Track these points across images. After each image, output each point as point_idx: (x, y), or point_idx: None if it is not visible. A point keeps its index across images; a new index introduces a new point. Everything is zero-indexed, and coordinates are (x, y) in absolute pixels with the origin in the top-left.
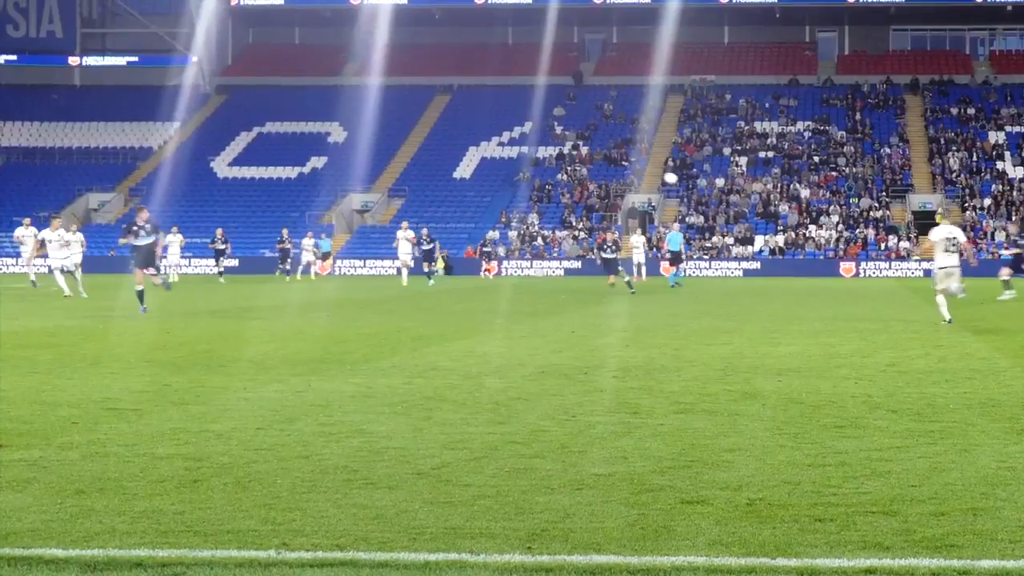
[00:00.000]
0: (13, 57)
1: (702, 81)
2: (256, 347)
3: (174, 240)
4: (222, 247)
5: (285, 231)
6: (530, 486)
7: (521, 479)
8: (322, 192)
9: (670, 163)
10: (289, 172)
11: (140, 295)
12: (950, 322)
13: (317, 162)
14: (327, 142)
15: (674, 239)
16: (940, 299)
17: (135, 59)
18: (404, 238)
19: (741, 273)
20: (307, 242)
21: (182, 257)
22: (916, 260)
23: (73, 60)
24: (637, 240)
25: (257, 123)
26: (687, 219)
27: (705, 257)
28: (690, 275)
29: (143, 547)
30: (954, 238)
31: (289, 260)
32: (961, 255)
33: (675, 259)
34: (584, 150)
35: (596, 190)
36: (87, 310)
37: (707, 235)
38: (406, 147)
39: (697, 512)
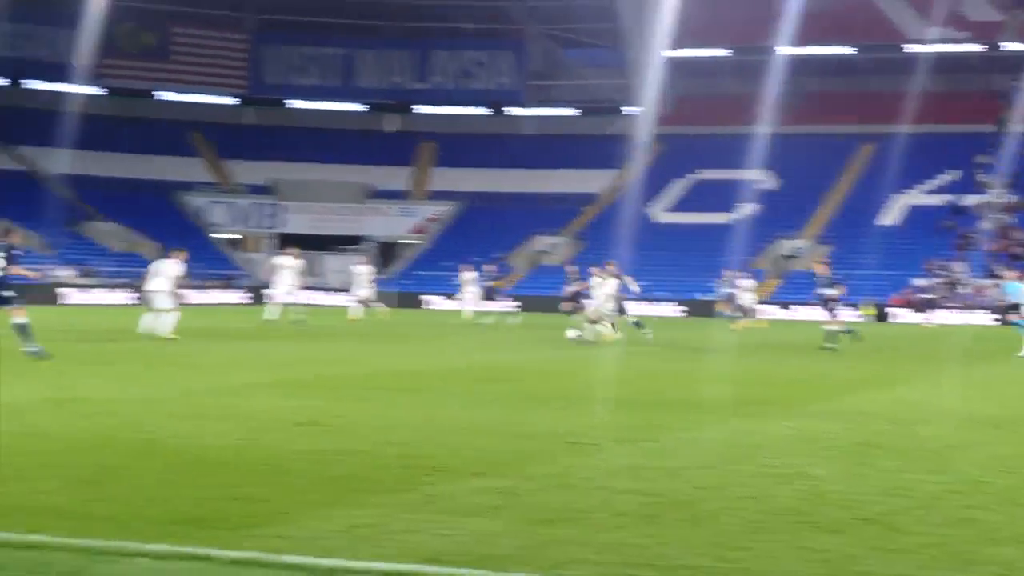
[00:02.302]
0: (476, 109)
1: None
2: (698, 388)
3: None
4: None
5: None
6: (976, 537)
7: (966, 529)
8: (752, 238)
9: None
10: (721, 218)
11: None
12: None
13: (748, 208)
14: (757, 189)
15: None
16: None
17: (579, 110)
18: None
19: None
20: (747, 284)
21: None
22: None
23: (524, 111)
24: None
25: (691, 170)
26: None
27: None
28: None
29: None
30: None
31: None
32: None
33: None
34: (1011, 198)
35: (1022, 238)
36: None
37: None
38: (833, 194)
39: None
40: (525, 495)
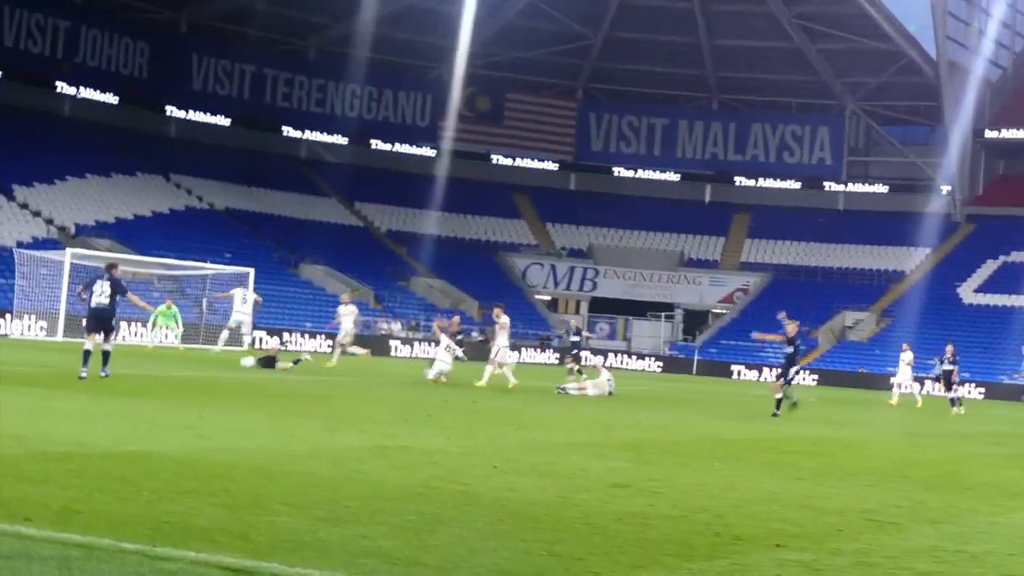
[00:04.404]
0: (792, 183)
1: None
2: (999, 472)
3: None
4: (950, 367)
5: None
6: None
7: None
8: None
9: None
10: None
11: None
12: None
13: None
14: None
15: None
16: None
17: (893, 187)
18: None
19: None
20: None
21: None
22: None
23: (839, 186)
24: None
25: (1003, 252)
26: None
27: None
28: None
29: None
30: None
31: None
32: None
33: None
34: None
35: None
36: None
37: None
38: None
39: None
40: (827, 570)
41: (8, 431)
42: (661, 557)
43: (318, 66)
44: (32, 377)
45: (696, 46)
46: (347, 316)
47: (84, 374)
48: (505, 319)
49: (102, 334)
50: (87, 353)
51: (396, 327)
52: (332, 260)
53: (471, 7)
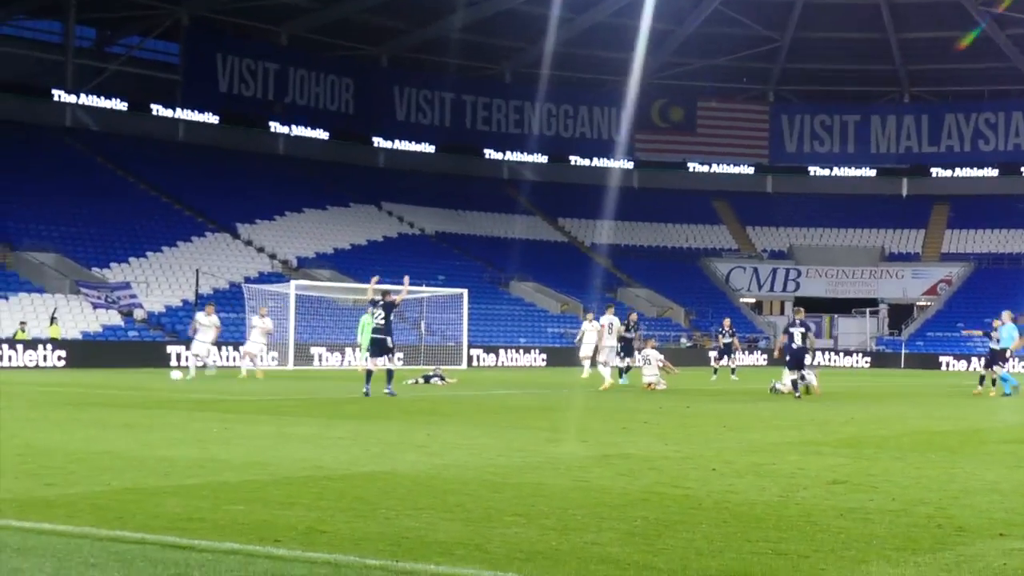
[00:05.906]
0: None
1: None
2: None
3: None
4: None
5: None
6: None
7: None
8: None
9: None
10: None
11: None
12: None
13: None
14: None
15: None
16: None
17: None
18: None
19: None
20: None
21: None
22: None
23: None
24: None
25: None
26: None
27: None
28: None
29: None
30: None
31: None
32: None
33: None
34: None
35: None
36: None
37: None
38: None
39: None
40: None
41: (254, 459)
42: (886, 551)
43: (514, 88)
44: (268, 406)
45: (884, 41)
46: (206, 328)
47: (367, 390)
48: (611, 319)
49: (383, 356)
50: (369, 373)
51: None
52: (540, 276)
53: (651, 20)
